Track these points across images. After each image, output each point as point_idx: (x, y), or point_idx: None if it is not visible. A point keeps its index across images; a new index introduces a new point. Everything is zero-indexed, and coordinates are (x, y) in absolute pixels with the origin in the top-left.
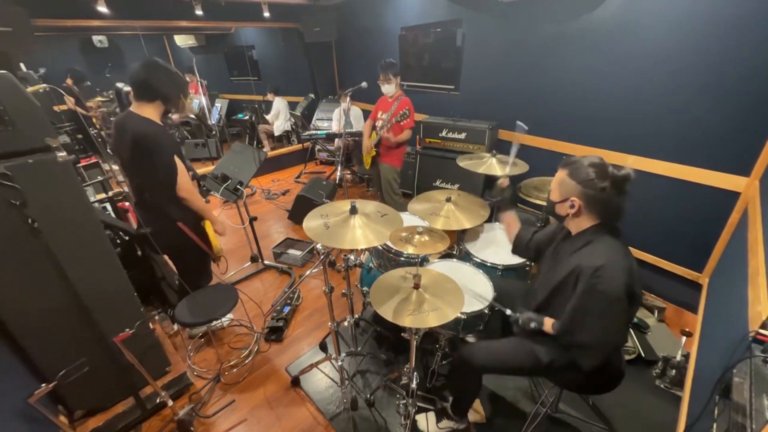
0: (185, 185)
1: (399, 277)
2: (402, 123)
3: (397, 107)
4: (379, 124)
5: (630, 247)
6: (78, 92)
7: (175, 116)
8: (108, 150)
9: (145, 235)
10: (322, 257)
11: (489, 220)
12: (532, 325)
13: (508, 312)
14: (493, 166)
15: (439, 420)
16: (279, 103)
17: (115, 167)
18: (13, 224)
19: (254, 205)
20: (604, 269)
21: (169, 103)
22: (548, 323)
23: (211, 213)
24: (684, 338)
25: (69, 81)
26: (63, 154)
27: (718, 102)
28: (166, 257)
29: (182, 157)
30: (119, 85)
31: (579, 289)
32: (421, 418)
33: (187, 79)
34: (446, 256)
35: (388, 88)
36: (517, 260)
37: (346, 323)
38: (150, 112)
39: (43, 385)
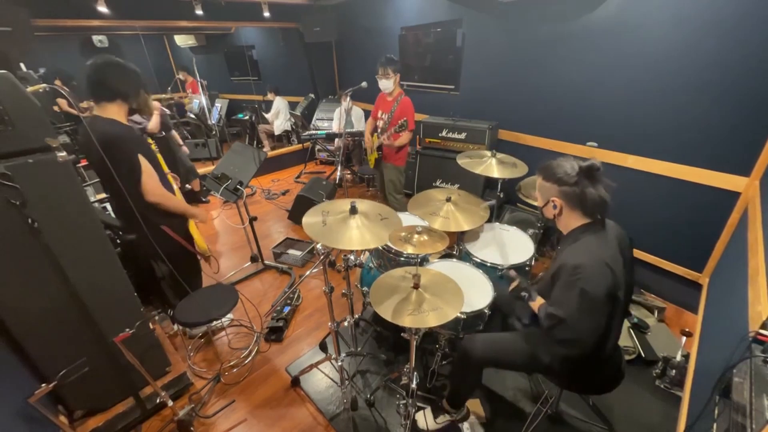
0: (153, 189)
1: (399, 276)
2: (401, 133)
3: (397, 110)
4: (380, 124)
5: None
6: (68, 92)
7: (151, 125)
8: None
9: (130, 240)
10: (322, 257)
11: (489, 220)
12: (524, 294)
13: (512, 273)
14: (492, 166)
15: (436, 416)
16: (279, 103)
17: None
18: (13, 224)
19: (254, 205)
20: (583, 268)
21: (130, 100)
22: (539, 301)
23: (188, 208)
24: (684, 338)
25: (58, 82)
26: (63, 154)
27: (718, 102)
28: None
29: (151, 157)
30: None
31: (558, 285)
32: (419, 416)
33: (181, 77)
34: (446, 256)
35: (386, 84)
36: (517, 260)
37: (346, 323)
38: (113, 112)
39: (43, 385)
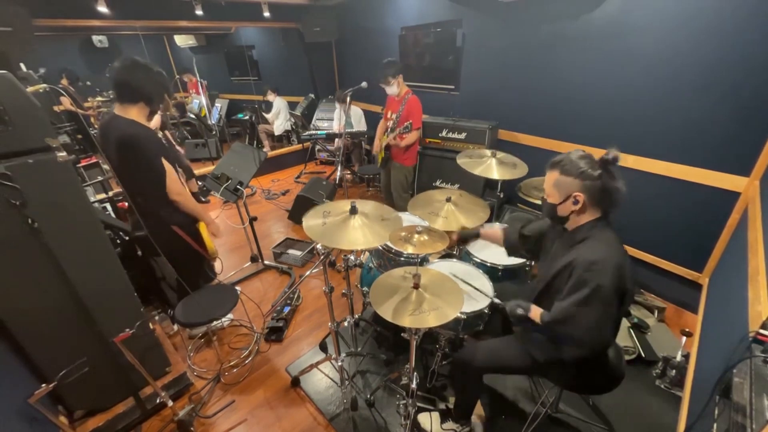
0: (175, 188)
1: (399, 276)
2: (404, 135)
3: (404, 110)
4: (389, 124)
5: (630, 247)
6: (73, 92)
7: (153, 123)
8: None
9: (140, 237)
10: (322, 257)
11: (489, 220)
12: (518, 311)
13: (496, 300)
14: (491, 166)
15: (443, 421)
16: (279, 103)
17: None
18: (13, 224)
19: (254, 205)
20: (598, 264)
21: (153, 103)
22: (536, 311)
23: (205, 214)
24: (684, 338)
25: (64, 81)
26: (63, 154)
27: (718, 102)
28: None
29: (172, 158)
30: None
31: (571, 281)
32: (424, 418)
33: (185, 79)
34: (446, 256)
35: (392, 90)
36: (517, 261)
37: (346, 323)
38: (134, 113)
39: (43, 385)
